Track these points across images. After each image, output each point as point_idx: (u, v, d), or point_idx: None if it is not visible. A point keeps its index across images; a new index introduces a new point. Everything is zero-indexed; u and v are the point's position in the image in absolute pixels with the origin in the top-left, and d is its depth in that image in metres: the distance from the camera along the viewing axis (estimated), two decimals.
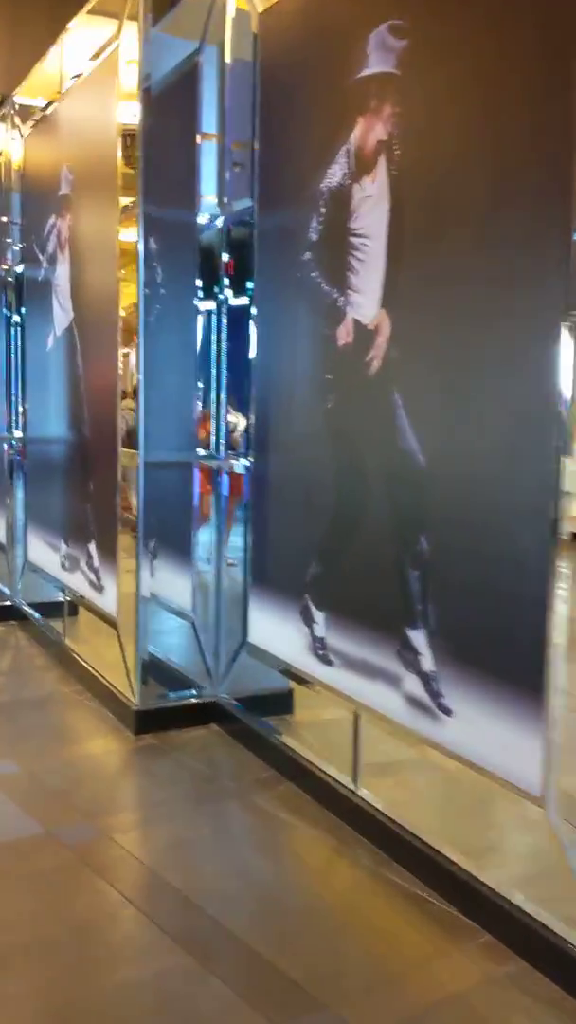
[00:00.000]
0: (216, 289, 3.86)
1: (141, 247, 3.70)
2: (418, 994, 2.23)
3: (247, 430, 3.71)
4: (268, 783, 3.40)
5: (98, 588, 4.41)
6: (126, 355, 3.92)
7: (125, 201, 3.82)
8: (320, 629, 3.24)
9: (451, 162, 2.54)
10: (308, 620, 3.31)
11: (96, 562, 4.39)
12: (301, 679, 3.46)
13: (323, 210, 3.12)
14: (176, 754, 3.67)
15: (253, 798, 3.29)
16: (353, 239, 2.96)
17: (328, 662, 3.20)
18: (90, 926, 2.48)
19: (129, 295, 3.84)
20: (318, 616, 3.25)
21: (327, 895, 2.70)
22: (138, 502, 3.81)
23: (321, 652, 3.24)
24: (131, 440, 3.88)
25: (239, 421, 3.88)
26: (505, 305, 2.39)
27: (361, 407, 2.99)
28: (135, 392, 3.83)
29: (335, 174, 3.05)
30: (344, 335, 3.03)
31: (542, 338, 2.25)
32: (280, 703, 4.04)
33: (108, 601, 4.28)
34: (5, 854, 2.84)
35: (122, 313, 3.91)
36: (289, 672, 3.54)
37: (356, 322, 2.96)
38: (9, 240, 5.76)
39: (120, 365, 3.94)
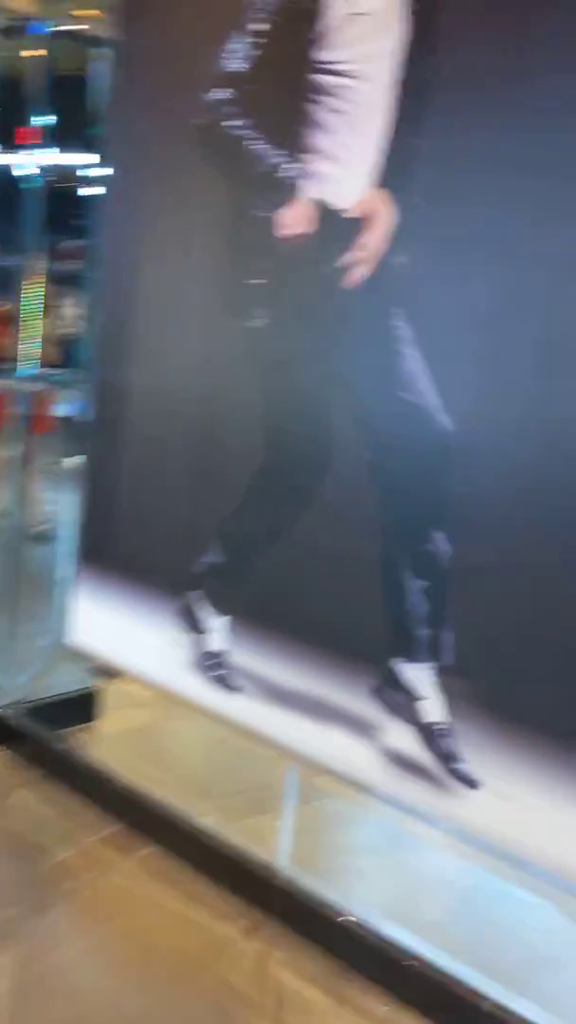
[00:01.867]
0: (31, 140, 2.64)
1: None
2: None
3: (72, 340, 2.60)
4: (120, 845, 2.43)
5: None
6: None
7: None
8: (217, 641, 2.30)
9: None
10: (193, 625, 2.35)
11: None
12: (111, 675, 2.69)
13: (264, 27, 2.08)
14: None
15: (110, 877, 2.31)
16: (327, 78, 1.97)
17: (230, 687, 2.28)
18: None
19: None
20: (214, 623, 2.31)
21: None
22: None
23: (216, 673, 2.31)
24: None
25: (59, 326, 2.73)
26: None
27: (324, 333, 2.05)
28: None
29: None
30: (294, 222, 2.05)
31: None
32: (80, 709, 3.07)
33: None
34: None
35: None
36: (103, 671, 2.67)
37: (322, 205, 2.00)
38: None
39: None
